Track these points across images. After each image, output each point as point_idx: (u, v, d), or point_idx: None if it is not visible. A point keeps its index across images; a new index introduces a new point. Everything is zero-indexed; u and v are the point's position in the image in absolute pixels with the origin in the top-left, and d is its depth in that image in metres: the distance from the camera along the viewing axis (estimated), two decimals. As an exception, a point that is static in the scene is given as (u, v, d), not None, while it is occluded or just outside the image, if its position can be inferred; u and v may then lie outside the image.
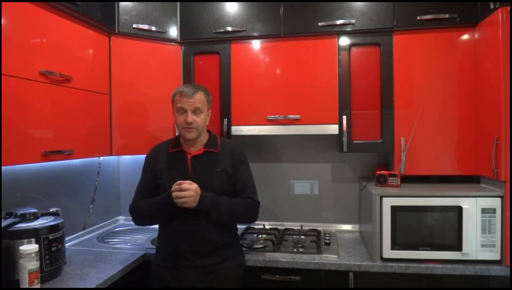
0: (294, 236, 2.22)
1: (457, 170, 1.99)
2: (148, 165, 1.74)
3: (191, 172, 1.64)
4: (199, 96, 1.64)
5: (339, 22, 2.05)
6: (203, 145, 1.70)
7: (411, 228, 1.80)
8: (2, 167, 1.57)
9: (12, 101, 1.45)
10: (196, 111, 1.63)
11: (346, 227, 2.44)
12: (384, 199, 1.82)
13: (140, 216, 1.69)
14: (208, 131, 1.76)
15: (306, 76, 2.11)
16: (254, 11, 2.14)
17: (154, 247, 1.99)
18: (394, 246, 1.79)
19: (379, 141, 2.06)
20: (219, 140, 1.75)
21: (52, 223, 1.58)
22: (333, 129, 2.09)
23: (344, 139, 2.06)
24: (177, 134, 1.82)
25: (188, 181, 1.52)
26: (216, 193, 1.62)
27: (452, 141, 1.98)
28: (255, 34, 2.14)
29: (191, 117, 1.61)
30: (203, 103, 1.65)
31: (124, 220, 2.61)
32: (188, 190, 1.50)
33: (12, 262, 1.44)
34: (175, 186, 1.51)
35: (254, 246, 1.99)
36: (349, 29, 2.06)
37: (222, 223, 1.65)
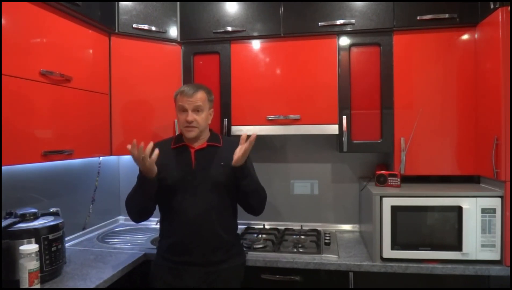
0: (294, 236, 2.22)
1: (457, 170, 1.99)
2: None
3: (195, 165, 1.65)
4: (200, 95, 1.65)
5: (339, 22, 2.05)
6: (206, 140, 1.72)
7: (411, 228, 1.80)
8: (2, 167, 1.57)
9: (12, 101, 1.44)
10: (196, 109, 1.64)
11: (346, 227, 2.44)
12: (384, 199, 1.82)
13: (130, 202, 1.64)
14: (210, 130, 1.77)
15: (306, 76, 2.11)
16: (254, 11, 2.14)
17: (154, 247, 1.99)
18: (394, 246, 1.79)
19: (379, 141, 2.06)
20: (221, 136, 1.78)
21: (52, 223, 1.58)
22: (333, 129, 2.09)
23: (344, 139, 2.06)
24: (179, 132, 1.82)
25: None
26: (220, 186, 1.64)
27: (452, 141, 1.98)
28: (255, 34, 2.14)
29: (191, 116, 1.62)
30: (204, 102, 1.66)
31: (124, 220, 2.61)
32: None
33: (12, 262, 1.44)
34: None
35: (254, 246, 1.99)
36: (349, 29, 2.06)
37: (226, 219, 1.67)
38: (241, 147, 1.54)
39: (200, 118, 1.64)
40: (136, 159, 1.46)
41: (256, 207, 1.73)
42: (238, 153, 1.53)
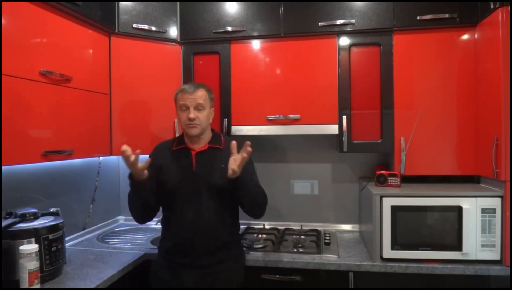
0: (294, 236, 2.22)
1: (457, 170, 1.99)
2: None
3: (196, 168, 1.64)
4: (201, 93, 1.65)
5: (339, 22, 2.05)
6: (207, 142, 1.71)
7: (411, 228, 1.80)
8: (2, 167, 1.57)
9: (12, 101, 1.44)
10: (198, 107, 1.63)
11: (346, 227, 2.44)
12: (384, 199, 1.82)
13: (130, 205, 1.66)
14: (212, 130, 1.77)
15: (306, 76, 2.11)
16: (254, 11, 2.14)
17: (154, 247, 1.99)
18: (394, 246, 1.79)
19: (379, 141, 2.06)
20: (223, 137, 1.76)
21: (52, 223, 1.58)
22: (333, 129, 2.09)
23: (344, 139, 2.06)
24: (180, 133, 1.82)
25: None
26: (221, 189, 1.62)
27: (452, 141, 1.98)
28: (255, 34, 2.14)
29: (193, 113, 1.61)
30: (205, 100, 1.66)
31: (124, 220, 2.61)
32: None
33: (12, 262, 1.44)
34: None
35: (254, 246, 1.99)
36: (349, 29, 2.06)
37: (227, 221, 1.67)
38: (235, 158, 1.47)
39: (202, 115, 1.64)
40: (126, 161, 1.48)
41: (253, 214, 1.70)
42: (233, 165, 1.45)
